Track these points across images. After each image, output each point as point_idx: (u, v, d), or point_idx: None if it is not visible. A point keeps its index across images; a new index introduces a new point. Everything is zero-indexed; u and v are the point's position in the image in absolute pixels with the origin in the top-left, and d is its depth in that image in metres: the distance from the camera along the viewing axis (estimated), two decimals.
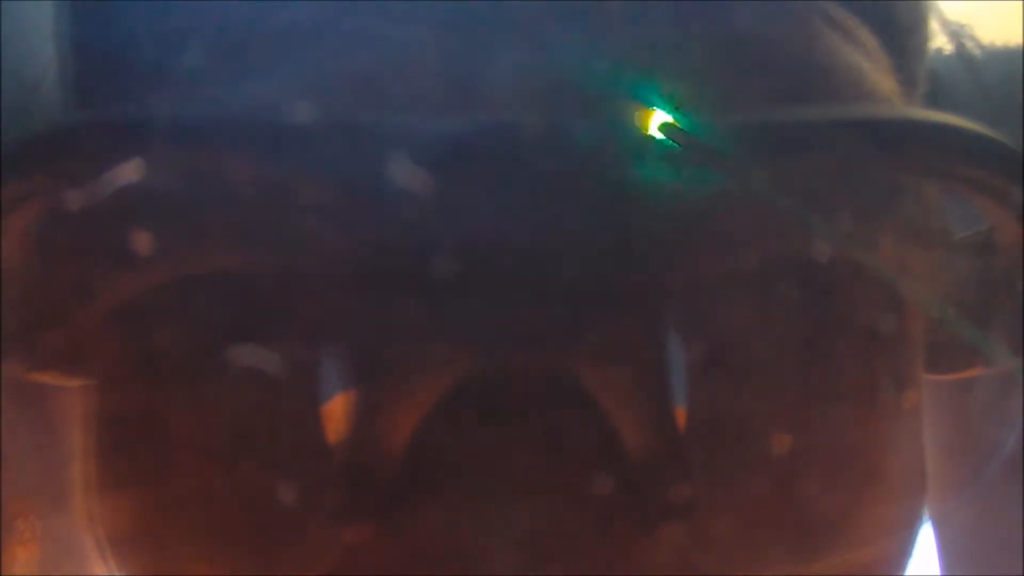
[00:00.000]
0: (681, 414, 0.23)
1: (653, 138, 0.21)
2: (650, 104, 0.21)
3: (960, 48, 0.29)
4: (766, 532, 0.23)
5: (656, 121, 0.21)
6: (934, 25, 0.28)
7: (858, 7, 0.24)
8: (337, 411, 0.22)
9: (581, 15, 0.22)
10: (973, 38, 0.30)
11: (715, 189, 0.22)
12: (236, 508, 0.23)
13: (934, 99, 0.27)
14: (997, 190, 0.23)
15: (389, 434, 0.22)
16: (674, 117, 0.21)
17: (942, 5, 0.29)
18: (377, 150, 0.20)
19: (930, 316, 0.26)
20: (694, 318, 0.22)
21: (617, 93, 0.21)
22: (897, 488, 0.25)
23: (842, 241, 0.23)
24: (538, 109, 0.21)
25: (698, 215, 0.22)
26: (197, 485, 0.24)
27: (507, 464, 0.21)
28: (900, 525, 0.25)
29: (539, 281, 0.21)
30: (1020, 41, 0.31)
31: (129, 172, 0.21)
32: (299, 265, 0.22)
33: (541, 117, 0.21)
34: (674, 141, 0.21)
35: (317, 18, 0.22)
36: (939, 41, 0.29)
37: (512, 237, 0.21)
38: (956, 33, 0.29)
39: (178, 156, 0.22)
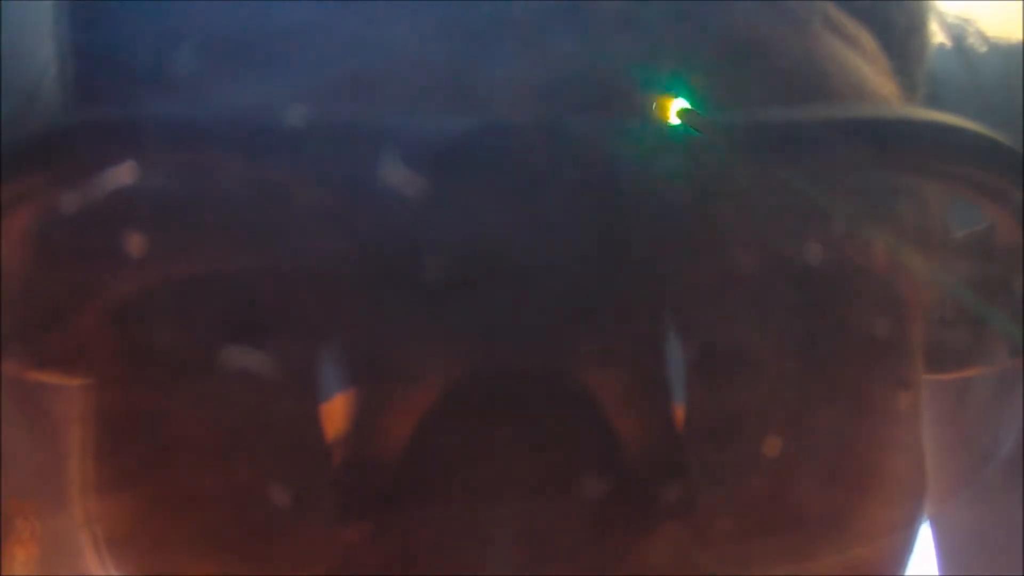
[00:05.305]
0: (680, 414, 0.23)
1: (651, 139, 0.21)
2: (647, 105, 0.21)
3: (960, 48, 0.29)
4: (765, 532, 0.23)
5: (654, 121, 0.21)
6: (934, 26, 0.28)
7: (858, 9, 0.24)
8: (335, 411, 0.22)
9: (579, 15, 0.22)
10: (973, 38, 0.30)
11: (715, 190, 0.22)
12: (234, 508, 0.23)
13: (934, 99, 0.27)
14: (997, 190, 0.23)
15: (387, 434, 0.22)
16: (672, 118, 0.21)
17: (942, 5, 0.29)
18: (374, 151, 0.20)
19: (929, 316, 0.26)
20: (693, 318, 0.22)
21: (614, 94, 0.21)
22: (896, 488, 0.25)
23: (841, 242, 0.23)
24: (536, 110, 0.21)
25: (697, 216, 0.22)
26: (195, 485, 0.24)
27: (505, 464, 0.21)
28: (899, 525, 0.25)
29: (538, 281, 0.21)
30: (1020, 40, 0.31)
31: (126, 173, 0.21)
32: (297, 266, 0.22)
33: (539, 118, 0.21)
34: (673, 141, 0.21)
35: (314, 19, 0.22)
36: (939, 41, 0.28)
37: (510, 237, 0.21)
38: (956, 33, 0.29)
39: (176, 157, 0.22)
